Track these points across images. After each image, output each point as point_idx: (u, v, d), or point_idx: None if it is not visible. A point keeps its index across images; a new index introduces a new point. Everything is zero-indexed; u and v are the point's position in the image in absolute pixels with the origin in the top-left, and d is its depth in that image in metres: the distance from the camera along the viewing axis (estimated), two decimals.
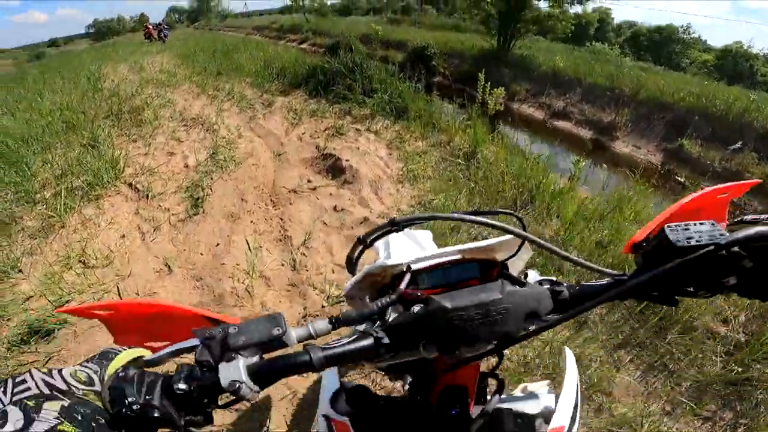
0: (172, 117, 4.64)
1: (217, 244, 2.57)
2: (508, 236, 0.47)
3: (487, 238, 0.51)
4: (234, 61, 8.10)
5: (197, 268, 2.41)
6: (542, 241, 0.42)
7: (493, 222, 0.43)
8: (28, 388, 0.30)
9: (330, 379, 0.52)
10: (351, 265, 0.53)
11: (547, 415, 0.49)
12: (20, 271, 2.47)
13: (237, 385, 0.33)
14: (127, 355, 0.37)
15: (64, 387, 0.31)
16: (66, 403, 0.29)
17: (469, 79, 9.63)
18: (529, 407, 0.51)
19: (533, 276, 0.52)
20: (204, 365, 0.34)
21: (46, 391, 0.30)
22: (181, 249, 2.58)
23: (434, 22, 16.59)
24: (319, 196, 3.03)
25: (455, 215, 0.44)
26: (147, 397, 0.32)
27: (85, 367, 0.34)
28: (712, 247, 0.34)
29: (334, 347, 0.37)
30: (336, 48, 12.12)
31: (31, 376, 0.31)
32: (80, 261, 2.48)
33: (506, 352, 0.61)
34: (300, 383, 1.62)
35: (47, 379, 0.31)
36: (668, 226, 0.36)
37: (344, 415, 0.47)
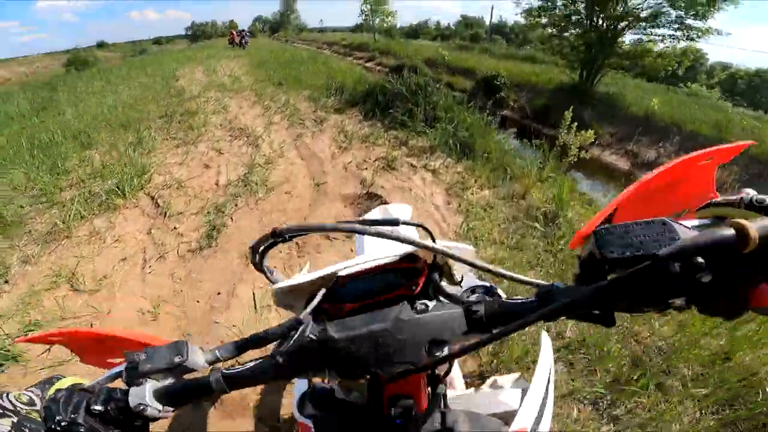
0: (221, 125, 4.44)
1: (219, 293, 2.08)
2: (410, 248, 0.46)
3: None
4: (298, 72, 8.07)
5: (187, 319, 1.93)
6: (443, 249, 0.40)
7: (388, 233, 0.38)
8: None
9: (300, 381, 0.54)
10: (257, 263, 0.50)
11: (509, 416, 0.46)
12: (6, 282, 2.18)
13: (142, 407, 0.36)
14: (66, 381, 0.40)
15: (11, 407, 0.36)
16: (15, 419, 0.35)
17: (543, 114, 8.72)
18: (491, 406, 0.48)
19: (468, 281, 0.48)
20: (121, 389, 0.37)
21: None
22: (178, 289, 2.12)
23: (506, 51, 15.84)
24: (354, 247, 2.45)
25: (346, 227, 0.39)
26: (72, 415, 0.35)
27: (28, 391, 0.39)
28: (648, 262, 0.27)
29: (235, 371, 0.39)
30: (400, 69, 11.96)
31: None
32: (69, 282, 2.13)
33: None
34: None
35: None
36: (605, 228, 0.30)
37: (308, 418, 0.47)
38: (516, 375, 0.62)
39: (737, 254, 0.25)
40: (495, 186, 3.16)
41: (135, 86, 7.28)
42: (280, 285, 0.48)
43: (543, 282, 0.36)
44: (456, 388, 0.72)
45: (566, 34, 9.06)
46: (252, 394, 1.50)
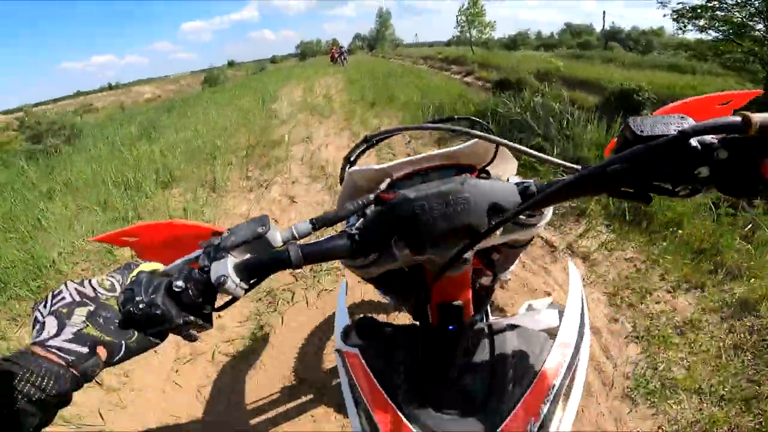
0: (302, 159, 3.90)
1: None
2: (474, 140, 0.49)
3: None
4: (391, 89, 7.48)
5: None
6: (500, 139, 0.44)
7: (457, 127, 0.45)
8: (63, 298, 0.35)
9: (341, 317, 0.57)
10: (348, 163, 0.56)
11: (551, 331, 0.47)
12: None
13: (222, 279, 0.35)
14: (145, 266, 0.40)
15: (92, 294, 0.36)
16: (92, 308, 0.34)
17: None
18: (533, 323, 0.49)
19: (512, 180, 0.46)
20: (202, 268, 0.37)
21: (78, 299, 0.35)
22: (197, 414, 1.42)
23: (636, 59, 13.01)
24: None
25: (424, 125, 0.50)
26: (152, 296, 0.35)
27: (110, 276, 0.38)
28: (675, 133, 0.31)
29: (311, 245, 0.39)
30: (505, 84, 10.57)
31: (66, 287, 0.36)
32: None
33: (507, 275, 0.58)
34: None
35: (79, 288, 0.36)
36: (632, 119, 0.35)
37: (354, 347, 0.48)
38: (549, 299, 0.64)
39: (747, 139, 0.29)
40: (699, 286, 1.83)
41: (236, 108, 7.51)
42: (354, 168, 0.52)
43: (584, 166, 0.37)
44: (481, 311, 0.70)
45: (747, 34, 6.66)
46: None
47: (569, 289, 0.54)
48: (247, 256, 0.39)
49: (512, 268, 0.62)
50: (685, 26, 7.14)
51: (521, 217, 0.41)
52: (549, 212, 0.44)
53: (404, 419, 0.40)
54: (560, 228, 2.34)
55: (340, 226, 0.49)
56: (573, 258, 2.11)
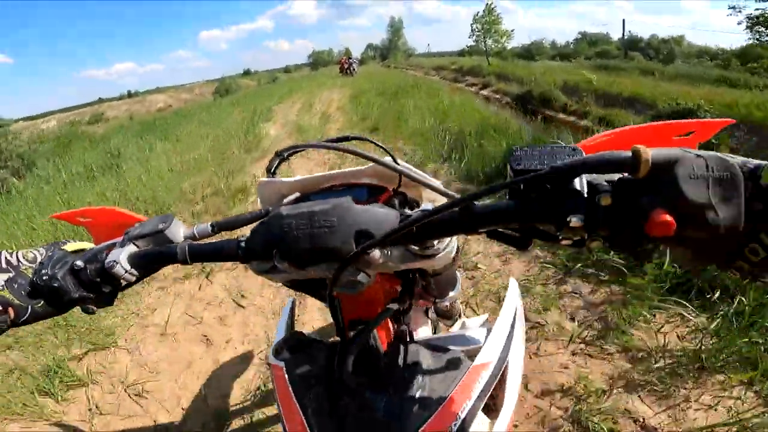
0: None
1: None
2: (371, 164, 0.46)
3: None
4: (400, 106, 6.41)
5: None
6: (375, 157, 0.42)
7: (360, 151, 0.42)
8: None
9: (279, 330, 0.59)
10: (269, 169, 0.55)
11: (473, 351, 0.46)
12: None
13: (111, 264, 0.38)
14: (73, 245, 0.43)
15: (15, 263, 0.39)
16: (12, 275, 0.38)
17: None
18: (456, 343, 0.48)
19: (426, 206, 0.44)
20: (107, 253, 0.40)
21: (3, 266, 0.38)
22: None
23: (685, 70, 11.66)
24: None
25: (326, 144, 0.45)
26: (55, 271, 0.38)
27: (35, 249, 0.41)
28: (542, 171, 0.27)
29: (202, 245, 0.40)
30: (528, 99, 9.39)
31: (1, 255, 0.40)
32: None
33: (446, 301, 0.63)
34: None
35: (8, 258, 0.39)
36: (517, 148, 0.32)
37: (281, 361, 0.48)
38: (484, 316, 0.67)
39: (638, 182, 0.25)
40: None
41: (221, 130, 6.55)
42: (263, 179, 0.52)
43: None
44: (422, 334, 0.71)
45: None
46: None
47: (503, 307, 0.52)
48: (148, 247, 0.41)
49: (453, 293, 0.62)
50: (761, 34, 6.04)
51: (413, 246, 0.37)
52: (451, 243, 0.39)
53: None
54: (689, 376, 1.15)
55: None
56: None
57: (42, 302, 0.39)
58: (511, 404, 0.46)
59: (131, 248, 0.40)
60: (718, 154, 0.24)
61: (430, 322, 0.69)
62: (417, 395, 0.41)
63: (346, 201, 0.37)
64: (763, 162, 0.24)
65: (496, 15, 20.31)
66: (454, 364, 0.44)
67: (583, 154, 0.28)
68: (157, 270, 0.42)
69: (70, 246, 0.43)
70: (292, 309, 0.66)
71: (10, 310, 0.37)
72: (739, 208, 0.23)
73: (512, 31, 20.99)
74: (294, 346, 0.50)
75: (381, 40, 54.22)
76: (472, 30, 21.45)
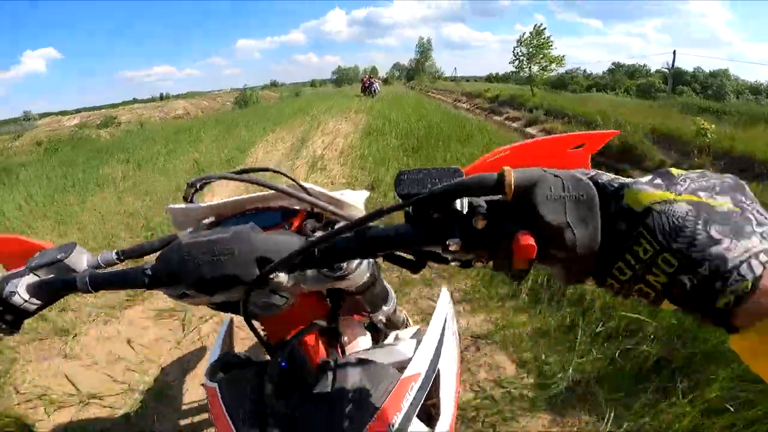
0: None
1: None
2: (272, 190, 0.47)
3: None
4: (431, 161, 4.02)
5: None
6: (289, 189, 0.43)
7: (264, 181, 0.44)
8: None
9: (213, 351, 0.57)
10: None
11: (403, 363, 0.46)
12: None
13: (9, 294, 0.38)
14: None
15: None
16: None
17: None
18: (386, 357, 0.48)
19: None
20: (4, 281, 0.39)
21: None
22: None
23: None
24: None
25: (233, 176, 0.45)
26: None
27: None
28: (421, 195, 0.28)
29: (105, 273, 0.39)
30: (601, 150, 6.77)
31: None
32: None
33: (381, 315, 0.60)
34: None
35: None
36: (407, 171, 0.31)
37: (214, 382, 0.48)
38: (415, 328, 0.65)
39: (508, 203, 0.25)
40: None
41: (170, 180, 4.35)
42: (173, 205, 0.50)
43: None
44: (361, 347, 0.68)
45: None
46: None
47: (433, 316, 0.53)
48: (50, 276, 0.41)
49: (386, 307, 0.61)
50: None
51: (323, 269, 0.39)
52: (362, 265, 0.41)
53: None
54: None
55: None
56: None
57: None
58: (449, 411, 0.47)
59: (31, 278, 0.40)
60: (575, 173, 0.24)
61: (369, 335, 0.64)
62: (348, 409, 0.41)
63: (247, 228, 0.37)
64: (628, 180, 0.24)
65: (546, 38, 17.81)
66: (384, 377, 0.44)
67: (463, 176, 0.29)
68: (58, 299, 0.42)
69: None
70: (230, 328, 0.64)
71: None
72: (595, 228, 0.23)
73: (563, 57, 18.32)
74: (226, 366, 0.50)
75: (409, 61, 52.75)
76: (514, 54, 18.93)
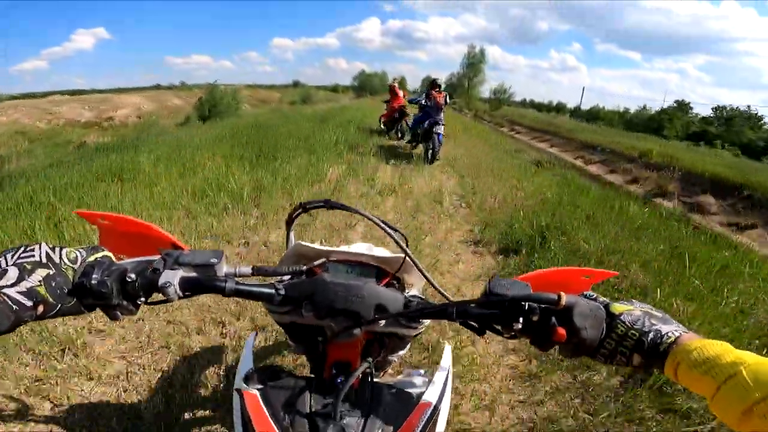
0: None
1: None
2: (397, 255, 0.64)
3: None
4: None
5: None
6: (415, 259, 0.56)
7: (388, 229, 0.54)
8: (33, 256, 0.41)
9: (245, 362, 0.62)
10: (288, 224, 0.67)
11: (418, 395, 0.57)
12: None
13: (167, 284, 0.45)
14: (109, 254, 0.47)
15: (57, 261, 0.42)
16: (51, 272, 0.40)
17: None
18: (406, 387, 0.59)
19: (413, 292, 0.68)
20: (155, 270, 0.46)
21: (44, 261, 0.40)
22: None
23: None
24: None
25: (362, 212, 0.56)
26: (106, 277, 0.43)
27: (78, 250, 0.44)
28: (505, 298, 0.45)
29: (246, 284, 0.50)
30: None
31: (40, 247, 0.41)
32: None
33: (395, 359, 0.77)
34: None
35: (50, 252, 0.41)
36: (495, 278, 0.49)
37: (255, 389, 0.53)
38: (423, 370, 0.73)
39: (555, 311, 0.44)
40: None
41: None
42: (302, 242, 0.66)
43: (456, 300, 0.50)
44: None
45: None
46: None
47: (440, 364, 0.65)
48: (194, 274, 0.48)
49: (402, 352, 0.77)
50: None
51: (401, 320, 0.56)
52: (426, 322, 0.62)
53: None
54: None
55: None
56: None
57: (74, 301, 0.42)
58: None
59: (181, 273, 0.47)
60: (597, 303, 0.46)
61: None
62: (380, 422, 0.52)
63: (373, 282, 0.54)
64: (610, 300, 0.46)
65: None
66: (406, 401, 0.56)
67: (530, 289, 0.47)
68: (196, 295, 0.49)
69: (108, 255, 0.47)
70: (252, 341, 0.71)
71: (40, 307, 0.39)
72: (598, 331, 0.44)
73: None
74: (266, 375, 0.56)
75: (449, 76, 42.37)
76: None
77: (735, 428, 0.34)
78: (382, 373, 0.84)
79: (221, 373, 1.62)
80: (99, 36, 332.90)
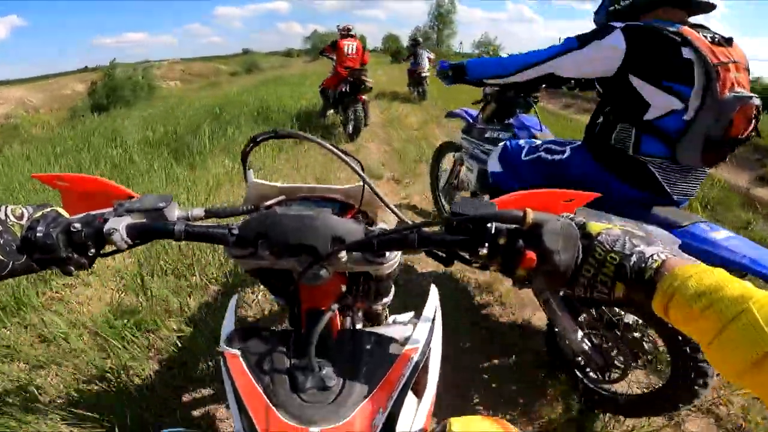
0: None
1: None
2: (356, 185, 0.62)
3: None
4: None
5: None
6: (371, 184, 0.53)
7: (342, 155, 0.53)
8: None
9: (228, 324, 0.61)
10: (243, 161, 0.62)
11: (404, 340, 0.54)
12: None
13: (111, 230, 0.42)
14: (59, 210, 0.46)
15: (3, 218, 0.41)
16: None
17: None
18: (391, 332, 0.56)
19: (383, 226, 0.57)
20: (104, 219, 0.44)
21: None
22: None
23: None
24: None
25: (309, 137, 0.55)
26: (51, 229, 0.41)
27: (24, 207, 0.43)
28: (467, 217, 0.41)
29: (197, 226, 0.46)
30: None
31: None
32: None
33: (384, 301, 0.73)
34: None
35: None
36: (461, 198, 0.45)
37: (236, 350, 0.52)
38: (411, 313, 0.74)
39: (523, 231, 0.38)
40: None
41: None
42: (257, 180, 0.63)
43: (418, 223, 0.44)
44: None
45: None
46: None
47: (426, 305, 0.62)
48: (143, 221, 0.46)
49: (387, 300, 0.74)
50: None
51: (367, 254, 0.50)
52: (395, 256, 0.52)
53: (273, 408, 0.45)
54: None
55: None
56: None
57: (24, 258, 0.40)
58: (433, 387, 0.56)
59: (128, 219, 0.45)
60: (566, 218, 0.38)
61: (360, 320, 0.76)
62: (362, 372, 0.49)
63: (328, 212, 0.50)
64: (586, 220, 0.38)
65: None
66: (390, 349, 0.52)
67: (496, 209, 0.41)
68: (147, 242, 0.47)
69: (58, 210, 0.45)
70: (237, 303, 0.72)
71: None
72: (572, 255, 0.36)
73: None
74: (246, 335, 0.54)
75: (413, 31, 37.12)
76: None
77: (736, 380, 0.27)
78: (372, 325, 0.79)
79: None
80: (12, 23, 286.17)
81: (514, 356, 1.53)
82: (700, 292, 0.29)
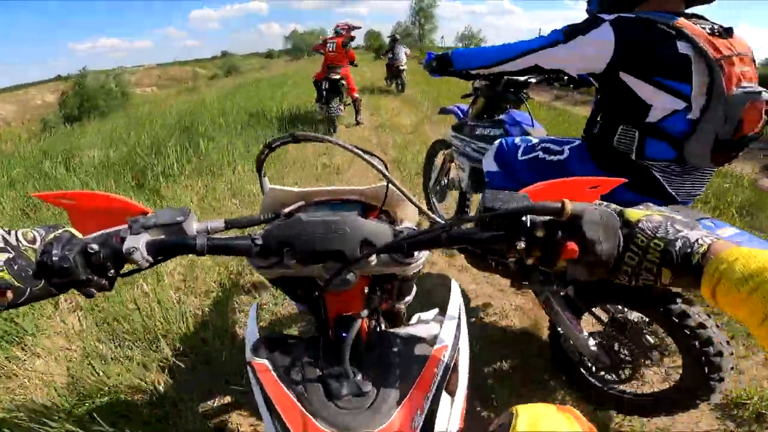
0: None
1: None
2: (380, 185, 0.57)
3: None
4: None
5: None
6: (396, 183, 0.50)
7: (364, 155, 0.50)
8: None
9: (251, 333, 0.62)
10: (259, 169, 0.60)
11: (432, 339, 0.54)
12: None
13: (132, 249, 0.40)
14: (71, 230, 0.44)
15: (15, 243, 0.39)
16: (11, 255, 0.37)
17: None
18: (418, 332, 0.57)
19: (407, 224, 0.55)
20: (121, 238, 0.42)
21: (1, 245, 0.38)
22: None
23: None
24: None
25: (341, 143, 0.52)
26: (67, 252, 0.39)
27: (35, 230, 0.41)
28: (501, 211, 0.39)
29: (218, 239, 0.44)
30: None
31: None
32: None
33: (406, 301, 0.73)
34: None
35: (5, 236, 0.39)
36: (488, 192, 0.42)
37: (264, 359, 0.51)
38: (435, 310, 0.70)
39: (561, 223, 0.36)
40: None
41: None
42: (274, 186, 0.59)
43: (448, 221, 0.44)
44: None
45: None
46: None
47: (449, 302, 0.62)
48: (162, 237, 0.44)
49: (408, 298, 0.74)
50: None
51: (395, 255, 0.49)
52: (422, 256, 0.52)
53: (310, 417, 0.45)
54: None
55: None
56: None
57: (42, 283, 0.39)
58: (464, 384, 0.55)
59: (147, 236, 0.43)
60: (608, 209, 0.37)
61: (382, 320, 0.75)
62: (395, 375, 0.48)
63: (355, 215, 0.46)
64: (620, 207, 0.39)
65: None
66: (419, 350, 0.52)
67: (530, 201, 0.41)
68: (169, 259, 0.45)
69: (70, 231, 0.43)
70: (257, 311, 0.71)
71: (9, 293, 0.37)
72: (614, 244, 0.36)
73: None
74: (272, 344, 0.53)
75: (394, 27, 36.99)
76: None
77: None
78: (394, 325, 0.78)
79: None
80: None
81: (518, 359, 1.49)
82: (746, 275, 0.29)
